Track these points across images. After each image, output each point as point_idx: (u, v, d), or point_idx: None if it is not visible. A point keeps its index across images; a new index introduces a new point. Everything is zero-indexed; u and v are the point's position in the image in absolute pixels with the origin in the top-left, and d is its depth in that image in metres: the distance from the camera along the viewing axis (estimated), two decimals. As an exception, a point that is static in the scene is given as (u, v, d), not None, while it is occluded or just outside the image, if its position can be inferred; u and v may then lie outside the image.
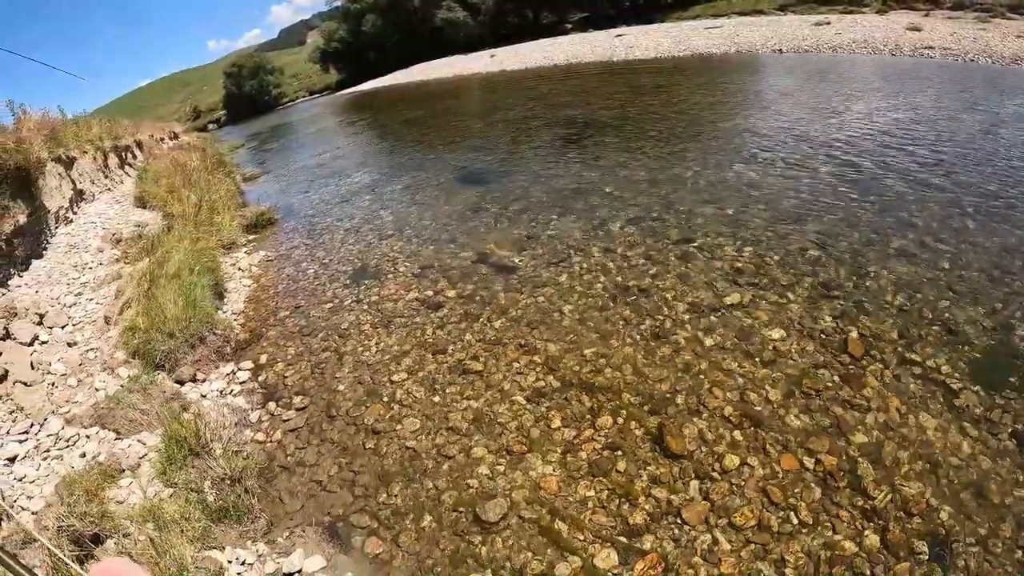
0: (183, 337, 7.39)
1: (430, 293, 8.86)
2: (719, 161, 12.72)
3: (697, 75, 27.64)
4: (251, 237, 13.60)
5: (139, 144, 23.09)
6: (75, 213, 12.67)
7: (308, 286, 10.15)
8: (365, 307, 8.89)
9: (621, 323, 7.23)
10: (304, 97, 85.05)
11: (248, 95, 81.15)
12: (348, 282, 9.94)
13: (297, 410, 6.75)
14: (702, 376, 6.11)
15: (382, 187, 16.26)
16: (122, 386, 6.53)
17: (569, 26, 65.88)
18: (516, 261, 9.36)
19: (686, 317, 7.14)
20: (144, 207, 14.50)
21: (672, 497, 4.84)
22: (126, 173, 18.87)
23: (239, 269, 11.36)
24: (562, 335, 7.21)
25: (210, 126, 75.62)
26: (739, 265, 8.09)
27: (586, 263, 8.86)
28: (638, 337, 6.91)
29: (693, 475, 5.02)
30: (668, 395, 5.92)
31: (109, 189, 16.15)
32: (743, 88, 22.91)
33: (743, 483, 4.88)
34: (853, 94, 18.32)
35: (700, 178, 11.79)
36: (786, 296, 7.25)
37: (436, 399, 6.49)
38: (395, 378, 6.96)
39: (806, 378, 5.88)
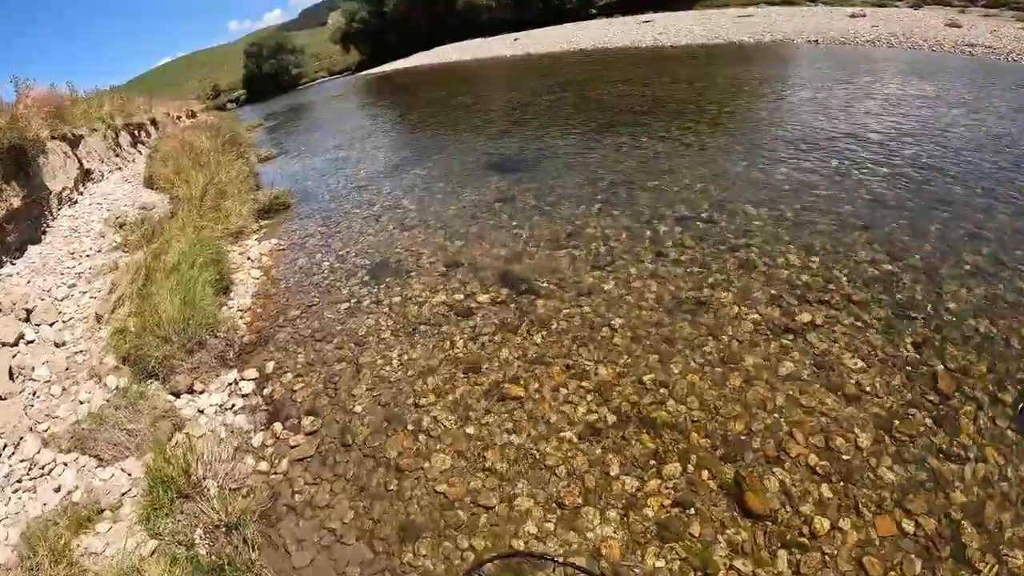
0: (179, 342, 6.53)
1: (459, 297, 7.94)
2: (768, 156, 11.68)
3: (730, 64, 26.45)
4: (264, 223, 12.84)
5: (154, 122, 22.76)
6: (80, 193, 12.19)
7: (322, 281, 9.32)
8: (386, 309, 8.02)
9: (680, 343, 6.27)
10: (324, 77, 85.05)
11: (268, 74, 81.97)
12: (367, 278, 9.08)
13: (307, 434, 5.87)
14: (779, 415, 5.18)
15: (403, 172, 15.40)
16: (107, 400, 5.72)
17: (594, 11, 64.89)
18: (555, 262, 8.42)
19: (754, 338, 6.20)
20: (153, 188, 13.93)
21: (759, 571, 3.97)
22: (139, 152, 18.47)
23: (248, 258, 10.56)
24: (614, 356, 6.24)
25: (229, 105, 75.85)
26: (806, 278, 7.13)
27: (634, 268, 7.90)
28: (702, 361, 5.96)
29: (779, 543, 4.13)
30: (743, 437, 5.01)
31: (120, 168, 15.76)
32: (782, 79, 21.64)
33: (835, 552, 4.01)
34: (902, 90, 17.12)
35: (749, 174, 10.79)
36: (862, 318, 6.29)
37: (470, 431, 5.55)
38: (421, 402, 6.04)
39: (897, 420, 4.97)
